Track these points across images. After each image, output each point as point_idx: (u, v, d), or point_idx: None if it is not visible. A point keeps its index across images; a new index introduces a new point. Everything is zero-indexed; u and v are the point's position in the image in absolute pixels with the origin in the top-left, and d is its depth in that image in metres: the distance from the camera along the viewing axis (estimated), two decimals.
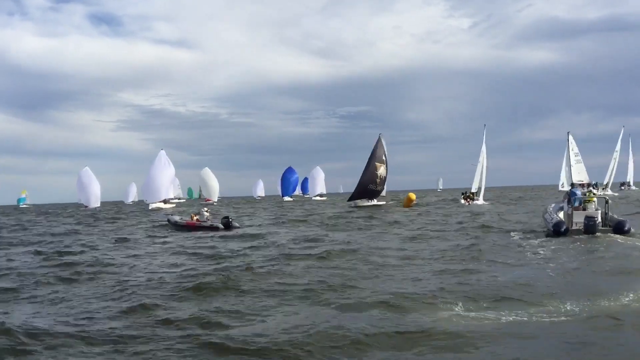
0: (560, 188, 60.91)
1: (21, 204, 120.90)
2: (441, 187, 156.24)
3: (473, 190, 50.29)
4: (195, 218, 28.03)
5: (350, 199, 54.56)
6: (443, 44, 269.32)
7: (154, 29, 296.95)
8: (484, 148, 52.28)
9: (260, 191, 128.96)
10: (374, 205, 50.52)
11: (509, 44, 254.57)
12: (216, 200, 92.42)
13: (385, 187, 54.89)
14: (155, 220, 36.39)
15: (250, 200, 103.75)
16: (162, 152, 65.18)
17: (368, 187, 52.95)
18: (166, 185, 64.94)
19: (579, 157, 59.68)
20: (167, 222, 29.98)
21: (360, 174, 51.65)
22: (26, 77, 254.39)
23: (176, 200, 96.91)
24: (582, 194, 18.50)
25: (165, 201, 65.08)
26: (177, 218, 29.89)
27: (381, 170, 53.38)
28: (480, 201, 47.94)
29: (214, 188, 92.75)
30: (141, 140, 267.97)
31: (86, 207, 77.35)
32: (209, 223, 27.02)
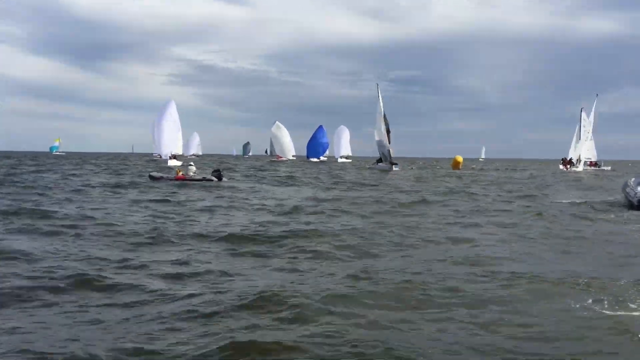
0: (561, 162, 60.34)
1: (54, 151, 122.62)
2: (483, 157, 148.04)
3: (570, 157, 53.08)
4: (180, 173, 28.26)
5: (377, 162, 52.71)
6: (502, 8, 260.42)
7: None
8: (592, 117, 54.07)
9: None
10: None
11: (570, 12, 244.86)
12: (291, 157, 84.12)
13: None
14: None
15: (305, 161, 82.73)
16: (173, 102, 62.17)
17: (388, 149, 50.75)
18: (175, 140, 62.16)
19: (590, 135, 59.76)
20: (149, 178, 28.73)
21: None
22: (83, 27, 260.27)
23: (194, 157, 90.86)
24: None
25: (174, 156, 58.98)
26: (160, 174, 29.41)
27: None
28: (579, 168, 50.66)
29: (288, 145, 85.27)
30: (192, 95, 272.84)
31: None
32: (201, 176, 27.85)
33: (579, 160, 56.26)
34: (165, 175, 28.95)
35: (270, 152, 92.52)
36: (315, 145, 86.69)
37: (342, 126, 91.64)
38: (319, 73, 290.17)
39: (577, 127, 59.64)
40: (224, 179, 28.10)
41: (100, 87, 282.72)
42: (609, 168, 58.51)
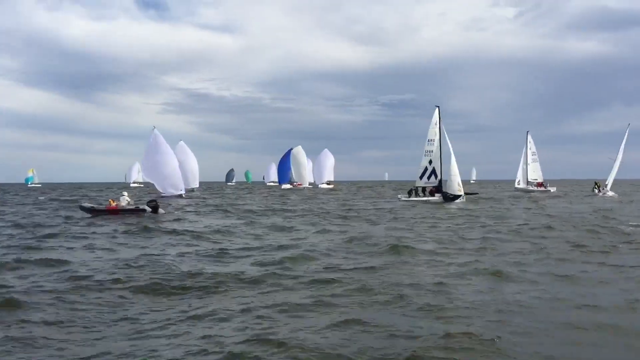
0: (516, 185, 63.06)
1: (29, 183, 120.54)
2: (474, 179, 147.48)
3: (607, 182, 50.97)
4: (114, 204, 27.46)
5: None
6: (489, 32, 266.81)
7: (199, 13, 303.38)
8: (623, 145, 51.45)
9: (273, 176, 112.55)
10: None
11: (556, 33, 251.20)
12: (308, 185, 79.34)
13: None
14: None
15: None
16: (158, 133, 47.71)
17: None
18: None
19: (536, 157, 62.24)
20: (80, 209, 28.26)
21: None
22: (76, 59, 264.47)
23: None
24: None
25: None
26: (91, 204, 28.55)
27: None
28: (610, 193, 50.52)
29: (307, 169, 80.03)
30: (187, 123, 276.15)
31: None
32: (134, 206, 26.92)
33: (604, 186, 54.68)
34: (96, 206, 28.05)
35: (289, 179, 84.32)
36: (285, 171, 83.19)
37: (325, 150, 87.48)
38: (311, 99, 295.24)
39: (524, 150, 62.20)
40: (160, 210, 27.09)
41: (95, 117, 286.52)
42: (554, 189, 60.64)
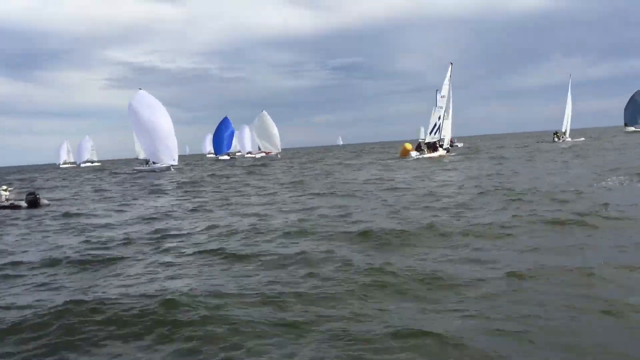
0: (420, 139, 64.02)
1: None
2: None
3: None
4: None
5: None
6: None
7: None
8: (569, 95, 59.64)
9: (209, 147, 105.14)
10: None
11: None
12: (279, 151, 73.90)
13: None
14: None
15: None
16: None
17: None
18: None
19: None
20: None
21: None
22: (10, 37, 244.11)
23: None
24: None
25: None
26: None
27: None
28: (569, 139, 56.92)
29: (276, 136, 73.59)
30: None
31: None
32: (9, 202, 21.39)
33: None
34: None
35: (259, 147, 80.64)
36: (220, 140, 78.76)
37: (264, 113, 77.20)
38: (259, 66, 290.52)
39: (434, 109, 56.61)
40: (44, 201, 21.52)
41: (33, 97, 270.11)
42: (462, 144, 64.37)
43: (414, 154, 42.18)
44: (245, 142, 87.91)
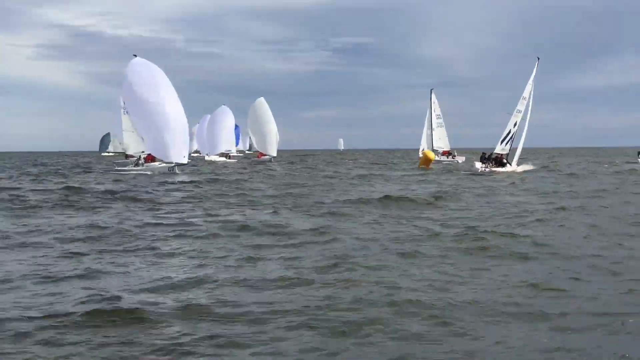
0: (419, 154, 50.03)
1: None
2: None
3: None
4: None
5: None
6: None
7: None
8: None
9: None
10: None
11: None
12: (274, 156, 57.59)
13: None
14: None
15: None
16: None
17: None
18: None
19: (441, 120, 53.07)
20: None
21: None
22: None
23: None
24: None
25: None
26: None
27: None
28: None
29: (272, 134, 56.69)
30: (70, 73, 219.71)
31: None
32: None
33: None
34: None
35: (250, 146, 69.04)
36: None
37: (223, 107, 62.77)
38: (240, 41, 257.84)
39: (428, 113, 52.97)
40: None
41: None
42: (463, 159, 49.86)
43: (478, 165, 34.90)
44: (204, 138, 64.52)
